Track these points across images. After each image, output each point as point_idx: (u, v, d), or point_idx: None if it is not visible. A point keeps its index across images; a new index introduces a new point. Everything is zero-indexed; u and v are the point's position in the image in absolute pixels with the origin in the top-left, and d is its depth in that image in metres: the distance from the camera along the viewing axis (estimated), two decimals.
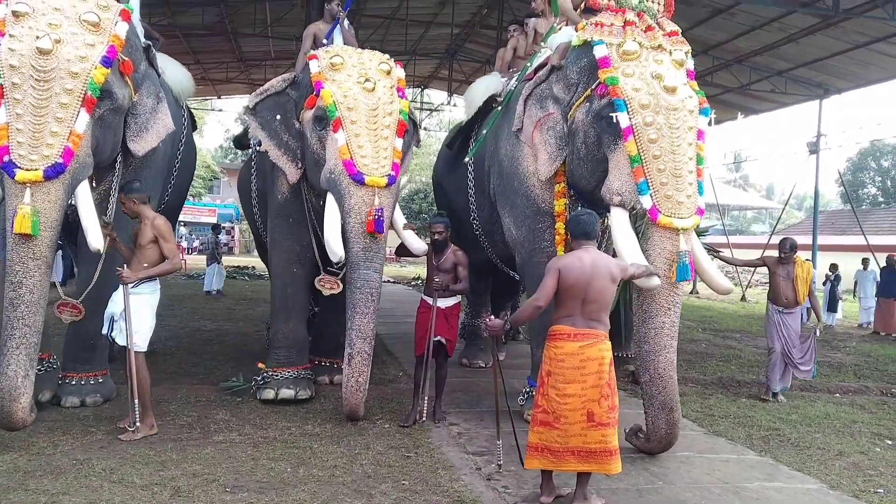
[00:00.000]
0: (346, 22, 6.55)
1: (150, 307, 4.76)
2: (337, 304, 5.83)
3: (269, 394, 5.55)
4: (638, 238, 4.52)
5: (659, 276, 4.35)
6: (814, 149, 16.92)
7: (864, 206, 35.67)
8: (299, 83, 5.78)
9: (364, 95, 5.19)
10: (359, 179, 4.99)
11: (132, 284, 4.62)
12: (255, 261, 23.51)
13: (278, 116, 5.70)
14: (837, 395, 7.07)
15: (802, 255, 7.56)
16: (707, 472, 4.46)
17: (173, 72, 6.12)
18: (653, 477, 4.30)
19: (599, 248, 4.26)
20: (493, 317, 4.10)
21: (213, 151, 40.91)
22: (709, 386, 7.14)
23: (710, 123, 4.80)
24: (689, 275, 4.35)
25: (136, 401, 4.59)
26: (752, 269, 15.05)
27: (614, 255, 4.90)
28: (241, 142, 7.43)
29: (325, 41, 6.25)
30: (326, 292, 5.65)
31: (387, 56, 5.62)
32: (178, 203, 7.04)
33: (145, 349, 4.78)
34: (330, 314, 6.46)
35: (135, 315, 4.62)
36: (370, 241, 5.05)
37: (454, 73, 18.86)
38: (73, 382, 5.28)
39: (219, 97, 23.83)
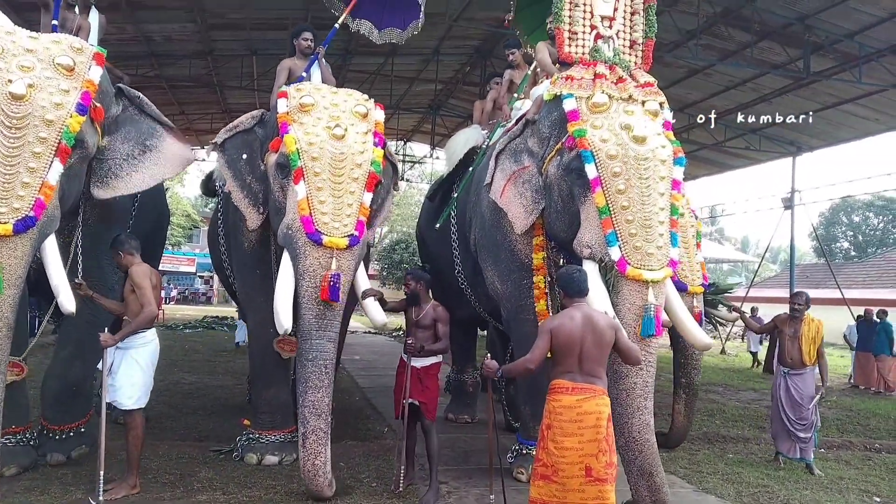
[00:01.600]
0: (324, 60, 6.19)
1: (139, 363, 4.59)
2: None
3: (253, 458, 5.37)
4: (609, 292, 4.40)
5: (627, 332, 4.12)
6: (788, 204, 17.29)
7: (837, 260, 36.29)
8: (266, 122, 5.41)
9: (331, 143, 4.76)
10: (316, 239, 4.57)
11: (126, 341, 4.52)
12: (233, 311, 23.24)
13: (244, 156, 5.30)
14: (822, 450, 7.07)
15: (781, 309, 7.64)
16: None
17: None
18: None
19: None
20: (489, 357, 4.05)
21: (192, 200, 40.73)
22: (695, 441, 7.12)
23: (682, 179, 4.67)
24: (653, 329, 4.22)
25: (102, 472, 4.34)
26: (733, 322, 15.21)
27: None
28: (207, 186, 7.07)
29: (303, 76, 5.86)
30: (285, 355, 5.42)
31: (364, 97, 5.21)
32: (149, 249, 6.70)
33: (136, 407, 4.61)
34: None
35: (125, 372, 4.52)
36: (324, 307, 4.62)
37: (437, 126, 19.16)
38: (56, 436, 5.03)
39: (202, 147, 23.86)
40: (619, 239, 4.33)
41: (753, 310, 15.43)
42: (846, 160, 63.28)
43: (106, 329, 4.52)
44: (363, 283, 5.07)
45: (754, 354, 16.00)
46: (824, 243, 32.91)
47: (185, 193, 37.33)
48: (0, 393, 3.87)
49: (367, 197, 4.83)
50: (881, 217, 45.14)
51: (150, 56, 13.23)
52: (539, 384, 4.53)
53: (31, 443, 5.04)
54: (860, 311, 13.65)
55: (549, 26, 5.63)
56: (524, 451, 5.32)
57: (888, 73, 11.68)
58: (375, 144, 4.94)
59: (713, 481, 5.60)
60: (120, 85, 4.95)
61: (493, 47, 13.90)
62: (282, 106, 4.98)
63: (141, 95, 4.95)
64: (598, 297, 4.31)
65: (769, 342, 14.97)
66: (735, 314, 7.02)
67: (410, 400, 4.83)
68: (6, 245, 3.84)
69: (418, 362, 4.93)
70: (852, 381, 13.38)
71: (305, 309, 4.63)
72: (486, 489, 4.96)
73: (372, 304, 4.99)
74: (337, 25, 6.35)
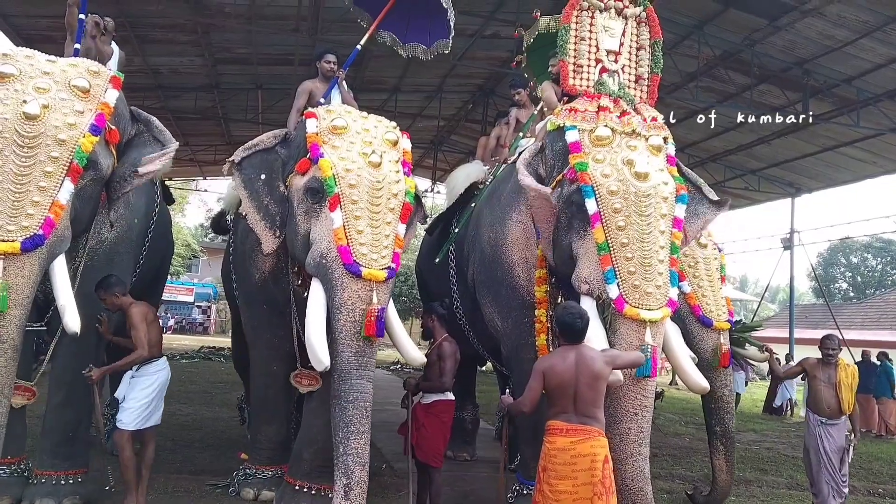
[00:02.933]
0: (345, 84, 6.08)
1: (143, 388, 4.75)
2: (323, 407, 5.00)
3: (250, 494, 5.30)
4: (606, 329, 4.35)
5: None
6: (787, 245, 17.37)
7: (835, 301, 36.26)
8: (291, 141, 5.12)
9: (368, 171, 4.53)
10: (355, 271, 4.31)
11: (134, 368, 4.77)
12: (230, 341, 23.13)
13: (263, 176, 5.00)
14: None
15: (781, 348, 7.54)
16: None
17: None
18: None
19: None
20: (507, 392, 4.01)
21: (192, 230, 40.82)
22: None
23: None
24: (650, 371, 4.15)
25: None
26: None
27: None
28: (218, 224, 6.83)
29: (321, 101, 5.67)
30: (304, 390, 5.20)
31: (393, 124, 4.99)
32: (154, 280, 6.71)
33: (131, 428, 4.71)
34: (318, 418, 5.14)
35: (129, 396, 4.70)
36: (364, 344, 4.32)
37: (438, 161, 19.32)
38: (48, 482, 4.82)
39: (204, 178, 24.04)
40: (618, 276, 4.27)
41: (788, 357, 14.56)
42: (844, 202, 63.68)
43: (91, 366, 4.68)
44: (395, 319, 4.75)
45: (738, 396, 14.79)
46: (823, 284, 32.93)
47: (186, 223, 37.49)
48: (3, 418, 3.82)
49: (402, 228, 4.63)
50: (879, 259, 45.25)
51: (156, 88, 13.43)
52: (539, 424, 4.47)
53: (26, 474, 4.96)
54: (858, 352, 13.64)
55: (551, 64, 5.74)
56: (525, 492, 5.24)
57: (885, 118, 11.85)
58: (405, 174, 4.77)
59: None
60: (133, 108, 4.90)
61: (496, 86, 14.12)
62: (311, 126, 4.74)
63: (151, 119, 4.87)
64: (595, 334, 4.25)
65: (770, 382, 14.77)
66: (765, 354, 6.49)
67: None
68: (14, 264, 3.79)
69: (424, 399, 4.89)
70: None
71: (344, 346, 4.31)
72: None
73: (406, 340, 4.73)
74: (359, 46, 6.23)
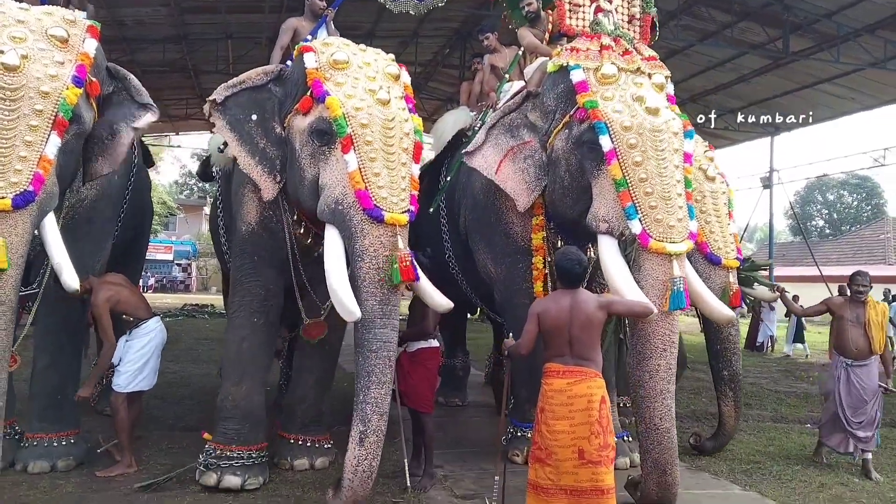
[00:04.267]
0: (332, 24, 5.69)
1: (136, 350, 4.76)
2: (313, 363, 5.18)
3: (211, 479, 4.51)
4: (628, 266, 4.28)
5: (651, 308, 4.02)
6: (767, 184, 17.50)
7: (812, 239, 36.85)
8: (286, 79, 4.72)
9: (378, 108, 4.18)
10: (377, 216, 4.01)
11: (128, 332, 4.86)
12: (213, 298, 23.05)
13: (254, 116, 4.61)
14: (808, 425, 7.16)
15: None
16: None
17: None
18: None
19: (590, 279, 4.17)
20: (511, 336, 3.99)
21: (168, 187, 40.20)
22: (684, 419, 7.17)
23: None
24: (683, 303, 4.10)
25: None
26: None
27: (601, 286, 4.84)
28: (205, 172, 6.43)
29: (308, 37, 5.27)
30: (314, 340, 4.95)
31: (391, 56, 4.61)
32: (133, 241, 6.50)
33: (126, 390, 4.71)
34: (307, 375, 5.24)
35: (124, 359, 4.73)
36: (388, 292, 4.04)
37: (417, 110, 19.04)
38: (41, 444, 4.75)
39: (176, 133, 23.55)
40: (639, 212, 4.19)
41: (841, 288, 13.62)
42: (822, 140, 64.00)
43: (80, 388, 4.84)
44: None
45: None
46: (800, 221, 33.43)
47: (160, 180, 36.85)
48: (4, 383, 3.74)
49: (416, 168, 4.34)
50: (855, 195, 45.92)
51: (122, 41, 12.94)
52: (533, 367, 4.51)
53: (16, 437, 4.91)
54: (835, 287, 13.85)
55: (523, 4, 5.79)
56: (518, 434, 5.31)
57: (865, 52, 11.81)
58: (411, 110, 4.43)
59: (706, 458, 5.58)
60: (109, 64, 4.65)
61: (472, 28, 13.79)
62: (310, 61, 4.32)
63: (129, 77, 4.63)
64: (619, 272, 4.22)
65: (751, 319, 14.84)
66: (776, 293, 6.23)
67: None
68: (6, 221, 3.65)
69: (409, 347, 4.86)
70: None
71: (368, 294, 4.02)
72: (481, 472, 5.01)
73: (429, 285, 4.38)
74: None
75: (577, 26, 5.05)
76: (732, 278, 5.54)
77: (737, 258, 5.65)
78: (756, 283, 6.45)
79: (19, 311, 4.95)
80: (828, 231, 44.57)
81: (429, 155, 6.83)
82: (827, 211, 46.94)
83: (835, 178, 42.39)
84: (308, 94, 4.30)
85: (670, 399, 4.14)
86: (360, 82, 4.27)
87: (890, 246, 29.95)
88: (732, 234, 5.77)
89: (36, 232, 3.92)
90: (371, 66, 4.40)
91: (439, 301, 4.36)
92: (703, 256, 5.50)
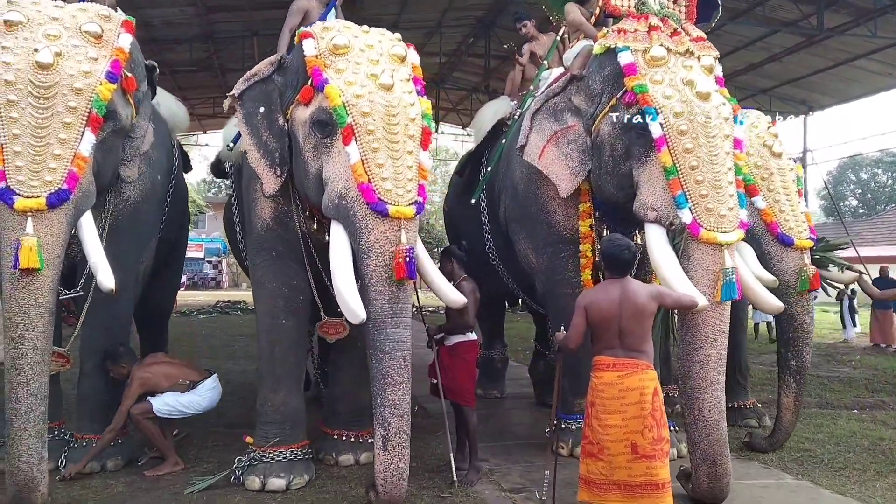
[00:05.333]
0: (340, 10, 5.47)
1: (189, 401, 4.91)
2: (352, 356, 5.05)
3: (255, 483, 4.43)
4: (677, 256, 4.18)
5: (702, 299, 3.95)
6: (801, 164, 17.15)
7: (846, 218, 36.11)
8: (287, 67, 4.54)
9: (381, 94, 3.99)
10: (381, 210, 3.86)
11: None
12: (244, 294, 23.24)
13: (262, 109, 4.47)
14: (855, 410, 7.02)
15: None
16: (751, 499, 4.35)
17: (168, 104, 5.72)
18: None
19: (638, 268, 4.05)
20: (562, 328, 3.92)
21: (196, 186, 40.60)
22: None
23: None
24: (736, 293, 4.00)
25: None
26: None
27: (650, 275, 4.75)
28: (218, 168, 6.30)
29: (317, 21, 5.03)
30: (332, 339, 4.88)
31: (397, 36, 4.39)
32: (177, 241, 6.60)
33: (155, 412, 4.79)
34: (345, 371, 5.19)
35: (179, 398, 4.90)
36: (397, 289, 3.91)
37: (441, 100, 18.96)
38: (90, 444, 4.75)
39: (204, 132, 23.74)
40: (690, 200, 4.10)
41: (882, 269, 12.79)
42: (856, 118, 62.47)
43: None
44: (425, 258, 4.28)
45: (756, 326, 13.15)
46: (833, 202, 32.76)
47: (189, 179, 37.24)
48: (45, 388, 3.75)
49: (425, 156, 4.15)
50: (890, 173, 44.86)
51: (150, 42, 13.02)
52: (578, 358, 4.45)
53: (67, 437, 4.95)
54: (873, 268, 13.51)
55: None
56: (563, 426, 5.26)
57: None
58: (419, 93, 4.22)
59: (807, 465, 5.10)
60: (153, 63, 4.75)
61: (497, 16, 13.67)
62: (309, 48, 4.15)
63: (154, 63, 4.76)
64: (667, 262, 4.13)
65: (840, 308, 13.79)
66: (852, 274, 5.85)
67: (434, 381, 4.76)
68: (41, 221, 3.65)
69: (447, 341, 4.83)
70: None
71: (376, 292, 3.90)
72: (527, 465, 4.99)
73: (445, 283, 4.33)
74: None
75: (623, 6, 4.93)
76: (807, 260, 5.19)
77: (810, 237, 5.27)
78: (831, 265, 6.02)
79: (65, 313, 5.05)
80: (861, 211, 43.63)
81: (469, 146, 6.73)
82: (861, 190, 45.96)
83: (868, 157, 41.42)
84: (308, 83, 4.15)
85: (720, 390, 4.06)
86: (362, 67, 4.09)
87: None
88: (804, 212, 5.40)
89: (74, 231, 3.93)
90: (374, 48, 4.19)
91: (452, 297, 4.29)
92: (774, 238, 5.16)
